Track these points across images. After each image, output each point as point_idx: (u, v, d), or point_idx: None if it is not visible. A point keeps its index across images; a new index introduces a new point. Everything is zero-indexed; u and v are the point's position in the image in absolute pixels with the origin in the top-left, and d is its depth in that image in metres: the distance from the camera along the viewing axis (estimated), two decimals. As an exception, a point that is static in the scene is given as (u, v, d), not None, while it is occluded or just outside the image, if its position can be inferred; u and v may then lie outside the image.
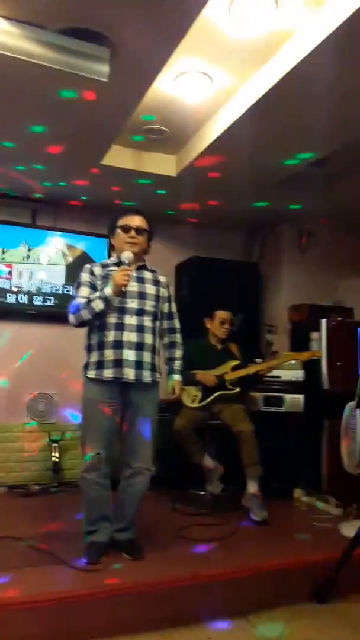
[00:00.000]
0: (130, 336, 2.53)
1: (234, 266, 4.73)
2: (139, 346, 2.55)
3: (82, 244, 4.31)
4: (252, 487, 3.30)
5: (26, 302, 4.11)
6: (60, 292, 4.20)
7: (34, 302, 4.13)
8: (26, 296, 4.11)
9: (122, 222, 2.65)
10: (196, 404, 3.56)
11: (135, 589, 2.20)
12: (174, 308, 2.83)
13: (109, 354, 2.53)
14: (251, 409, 3.78)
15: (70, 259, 4.27)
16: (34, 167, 3.54)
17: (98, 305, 2.46)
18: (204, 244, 4.79)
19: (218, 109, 3.05)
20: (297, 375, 3.99)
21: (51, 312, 4.13)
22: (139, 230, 2.63)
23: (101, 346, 2.55)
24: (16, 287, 4.08)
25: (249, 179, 3.69)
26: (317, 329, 4.24)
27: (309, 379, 3.98)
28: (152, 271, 2.75)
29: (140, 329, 2.57)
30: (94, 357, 2.57)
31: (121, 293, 2.47)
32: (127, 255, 2.55)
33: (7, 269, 4.06)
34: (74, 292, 2.63)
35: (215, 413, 3.57)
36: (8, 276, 4.06)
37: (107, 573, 2.36)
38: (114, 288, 2.45)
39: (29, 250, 4.14)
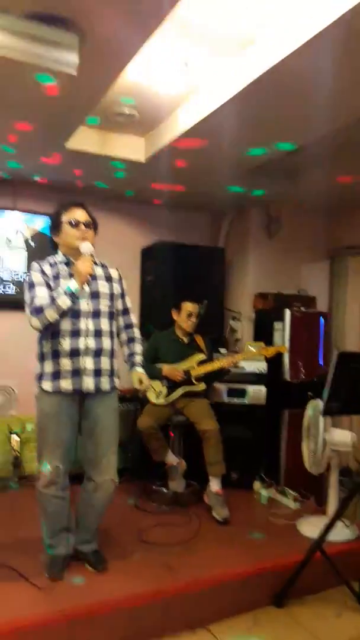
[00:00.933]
0: (87, 342, 2.38)
1: (200, 251, 4.60)
2: (97, 352, 2.41)
3: (43, 226, 4.05)
4: (215, 486, 3.32)
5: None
6: (21, 278, 3.98)
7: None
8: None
9: (68, 216, 2.45)
10: (161, 400, 3.50)
11: (96, 612, 2.17)
12: (128, 303, 2.68)
13: (66, 363, 2.38)
14: (214, 400, 3.77)
15: (32, 244, 4.03)
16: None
17: (65, 301, 2.29)
18: (170, 226, 4.63)
19: (193, 94, 2.85)
20: (261, 366, 3.99)
21: (11, 300, 3.93)
22: (87, 224, 2.46)
23: (56, 355, 2.39)
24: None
25: (220, 165, 3.54)
26: (281, 318, 4.25)
27: (270, 370, 4.00)
28: (102, 266, 2.59)
29: (97, 333, 2.42)
30: (49, 367, 2.41)
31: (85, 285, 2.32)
32: (87, 246, 2.38)
33: None
34: (28, 294, 2.40)
35: (179, 408, 3.53)
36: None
37: (68, 590, 2.34)
38: (79, 279, 2.30)
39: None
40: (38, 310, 2.31)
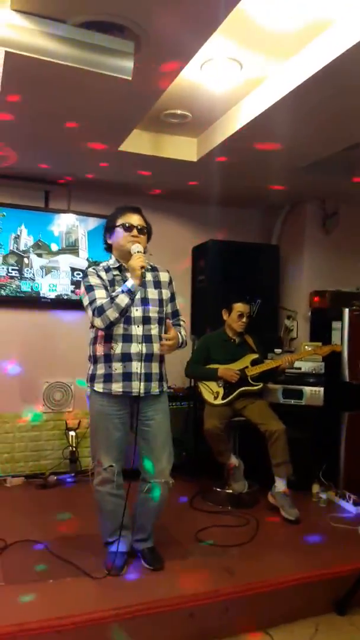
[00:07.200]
0: (138, 347, 2.43)
1: (253, 249, 4.54)
2: (148, 357, 2.46)
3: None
4: (282, 486, 3.29)
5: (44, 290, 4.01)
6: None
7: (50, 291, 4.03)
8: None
9: (122, 220, 2.50)
10: (219, 401, 3.49)
11: (155, 610, 2.18)
12: (177, 306, 2.70)
13: (117, 367, 2.44)
14: (269, 401, 3.71)
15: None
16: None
17: (123, 300, 2.33)
18: (222, 224, 4.60)
19: (246, 94, 2.82)
20: (317, 367, 3.89)
21: (66, 300, 4.05)
22: (140, 229, 2.49)
23: (108, 358, 2.45)
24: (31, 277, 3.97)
25: (276, 163, 3.49)
26: (339, 317, 4.13)
27: (328, 370, 3.89)
28: (152, 269, 2.60)
29: (147, 339, 2.46)
30: (101, 369, 2.47)
31: (142, 278, 2.35)
32: (136, 247, 2.41)
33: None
34: (87, 296, 2.46)
35: (238, 409, 3.50)
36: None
37: (127, 587, 2.37)
38: (134, 274, 2.34)
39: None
40: (100, 311, 2.37)
